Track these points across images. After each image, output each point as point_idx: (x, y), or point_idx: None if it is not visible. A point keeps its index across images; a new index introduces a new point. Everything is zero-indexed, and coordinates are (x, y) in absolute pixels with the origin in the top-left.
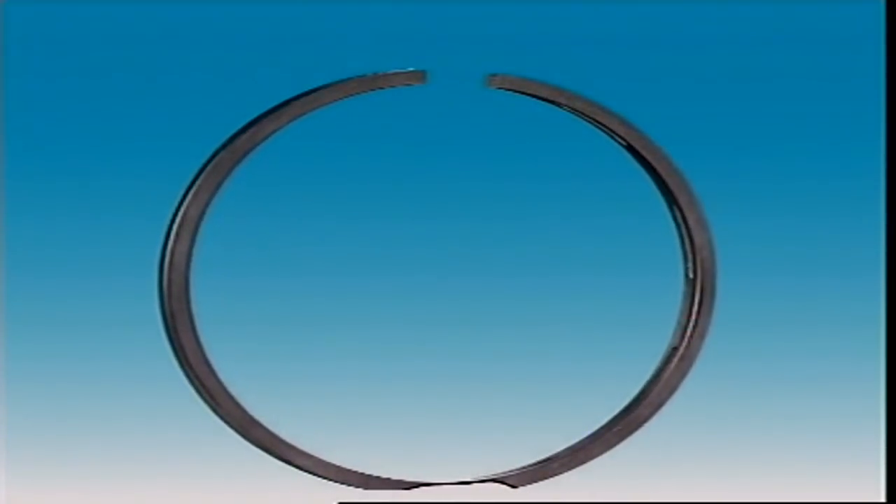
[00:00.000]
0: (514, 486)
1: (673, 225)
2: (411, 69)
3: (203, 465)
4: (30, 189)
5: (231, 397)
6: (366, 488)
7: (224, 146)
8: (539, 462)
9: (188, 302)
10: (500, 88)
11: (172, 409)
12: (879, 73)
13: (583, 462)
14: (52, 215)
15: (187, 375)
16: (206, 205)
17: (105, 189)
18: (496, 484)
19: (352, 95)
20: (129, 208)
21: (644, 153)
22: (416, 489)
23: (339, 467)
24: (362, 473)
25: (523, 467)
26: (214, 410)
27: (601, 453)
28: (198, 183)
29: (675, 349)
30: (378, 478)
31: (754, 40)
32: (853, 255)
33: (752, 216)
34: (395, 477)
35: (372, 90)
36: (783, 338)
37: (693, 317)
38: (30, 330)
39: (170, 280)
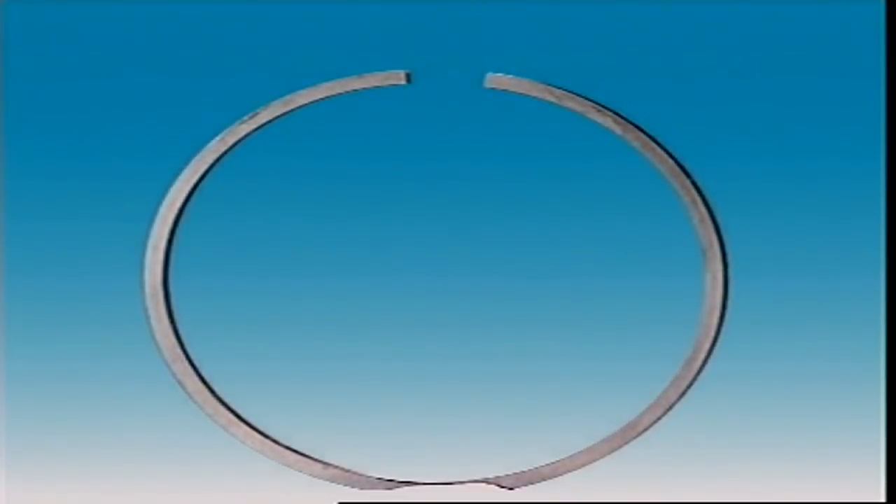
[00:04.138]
0: (510, 488)
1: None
2: (393, 70)
3: (201, 466)
4: (27, 188)
5: (209, 393)
6: (351, 486)
7: (202, 148)
8: (541, 465)
9: (167, 301)
10: (496, 89)
11: (169, 410)
12: (879, 73)
13: (584, 464)
14: (50, 214)
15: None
16: (184, 205)
17: (105, 188)
18: (494, 484)
19: (333, 97)
20: (131, 206)
21: (646, 154)
22: (403, 488)
23: (325, 464)
24: (349, 471)
25: (525, 469)
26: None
27: (604, 455)
28: (174, 184)
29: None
30: (365, 476)
31: (754, 40)
32: (853, 255)
33: (768, 218)
34: (389, 477)
35: (355, 91)
36: (783, 338)
37: (703, 320)
38: (29, 331)
39: (143, 280)
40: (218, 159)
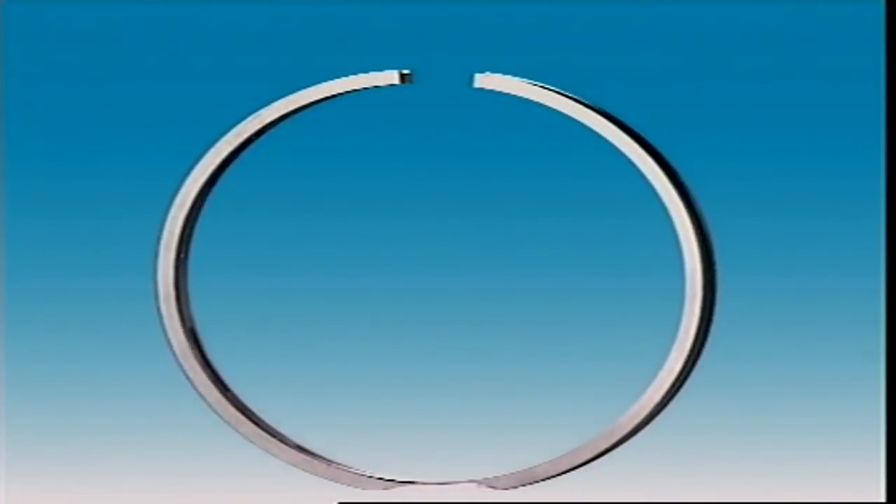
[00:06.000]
0: (505, 489)
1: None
2: (395, 70)
3: (202, 464)
4: (29, 188)
5: (219, 391)
6: (350, 485)
7: (207, 149)
8: (536, 465)
9: (178, 300)
10: (485, 88)
11: (170, 410)
12: (879, 73)
13: (580, 464)
14: (60, 215)
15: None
16: (194, 205)
17: (112, 188)
18: (483, 485)
19: (336, 97)
20: (138, 205)
21: (634, 155)
22: (401, 488)
23: (329, 462)
24: (348, 470)
25: (515, 470)
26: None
27: (598, 455)
28: (183, 185)
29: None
30: (364, 476)
31: (753, 40)
32: (853, 256)
33: (755, 218)
34: (388, 477)
35: (356, 91)
36: (782, 338)
37: (691, 319)
38: (37, 331)
39: (156, 280)
40: (224, 160)
